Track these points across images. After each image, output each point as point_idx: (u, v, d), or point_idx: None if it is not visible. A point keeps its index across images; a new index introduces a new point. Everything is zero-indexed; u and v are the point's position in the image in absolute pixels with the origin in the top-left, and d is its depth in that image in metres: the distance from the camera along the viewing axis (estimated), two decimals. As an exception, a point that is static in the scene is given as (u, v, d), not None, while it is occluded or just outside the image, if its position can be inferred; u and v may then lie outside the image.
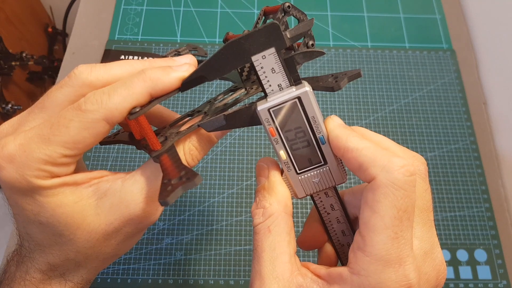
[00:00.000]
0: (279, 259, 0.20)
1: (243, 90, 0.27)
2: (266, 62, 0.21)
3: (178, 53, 0.54)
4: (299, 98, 0.21)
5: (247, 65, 0.26)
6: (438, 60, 0.54)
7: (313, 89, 0.22)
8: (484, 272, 0.42)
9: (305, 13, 0.25)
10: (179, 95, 0.50)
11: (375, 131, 0.53)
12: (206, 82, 0.51)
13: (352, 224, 0.24)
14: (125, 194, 0.21)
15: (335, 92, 0.26)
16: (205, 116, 0.24)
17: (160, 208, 0.23)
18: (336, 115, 0.50)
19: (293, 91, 0.21)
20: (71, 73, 0.20)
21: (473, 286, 0.41)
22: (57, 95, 0.20)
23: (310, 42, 0.26)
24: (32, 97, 0.96)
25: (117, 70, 0.21)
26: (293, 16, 0.26)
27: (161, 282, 0.41)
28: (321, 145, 0.22)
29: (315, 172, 0.22)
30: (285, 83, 0.21)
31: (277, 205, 0.22)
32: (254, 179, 0.46)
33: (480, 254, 0.43)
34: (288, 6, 0.25)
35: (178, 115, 0.26)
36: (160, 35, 0.56)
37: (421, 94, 0.52)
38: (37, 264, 0.22)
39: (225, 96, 0.27)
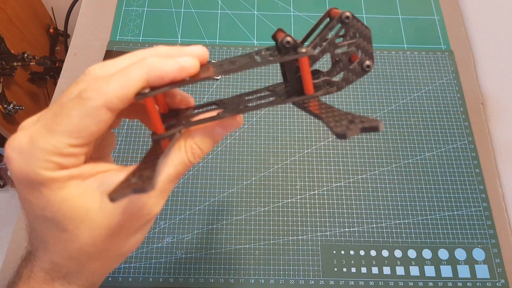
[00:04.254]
0: None
1: (274, 98, 0.24)
2: None
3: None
4: None
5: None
6: (436, 60, 0.55)
7: (322, 121, 0.20)
8: (482, 271, 0.42)
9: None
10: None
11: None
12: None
13: None
14: None
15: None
16: (224, 111, 0.23)
17: (162, 202, 0.22)
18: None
19: None
20: (86, 71, 0.21)
21: (472, 285, 0.42)
22: (72, 90, 0.20)
23: (367, 63, 0.23)
24: (34, 98, 0.96)
25: (124, 61, 0.21)
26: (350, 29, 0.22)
27: (161, 280, 0.41)
28: None
29: None
30: None
31: None
32: (254, 178, 0.47)
33: (478, 253, 0.43)
34: (347, 17, 0.21)
35: (192, 102, 0.25)
36: (161, 36, 0.56)
37: (420, 94, 0.52)
38: (41, 263, 0.22)
39: (257, 96, 0.25)
